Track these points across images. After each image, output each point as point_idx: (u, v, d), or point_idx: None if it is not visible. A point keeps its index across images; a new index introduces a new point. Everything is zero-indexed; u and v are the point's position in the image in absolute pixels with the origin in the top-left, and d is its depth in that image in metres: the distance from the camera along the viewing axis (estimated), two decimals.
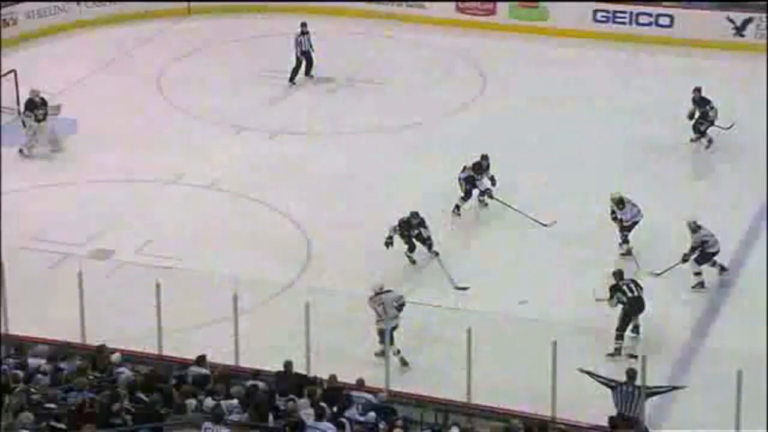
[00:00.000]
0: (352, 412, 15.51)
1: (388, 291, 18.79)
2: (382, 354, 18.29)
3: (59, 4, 31.60)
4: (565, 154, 25.07)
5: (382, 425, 15.44)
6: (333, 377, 16.45)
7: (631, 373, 16.34)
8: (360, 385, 16.47)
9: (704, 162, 25.24)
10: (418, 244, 21.35)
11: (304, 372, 16.84)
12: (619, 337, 18.89)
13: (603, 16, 31.20)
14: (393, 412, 16.06)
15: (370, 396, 16.20)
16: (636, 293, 19.08)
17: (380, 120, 26.96)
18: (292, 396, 15.44)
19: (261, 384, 15.89)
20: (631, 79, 28.90)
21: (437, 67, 29.75)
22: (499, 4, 31.84)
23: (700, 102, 25.15)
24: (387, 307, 18.51)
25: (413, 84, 28.76)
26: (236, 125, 26.80)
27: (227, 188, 24.10)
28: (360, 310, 18.79)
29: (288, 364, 16.64)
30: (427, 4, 32.21)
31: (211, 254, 21.54)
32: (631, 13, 31.02)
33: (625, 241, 21.52)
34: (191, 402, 15.01)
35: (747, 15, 30.26)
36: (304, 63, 28.76)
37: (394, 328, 18.37)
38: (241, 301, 17.57)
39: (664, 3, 30.98)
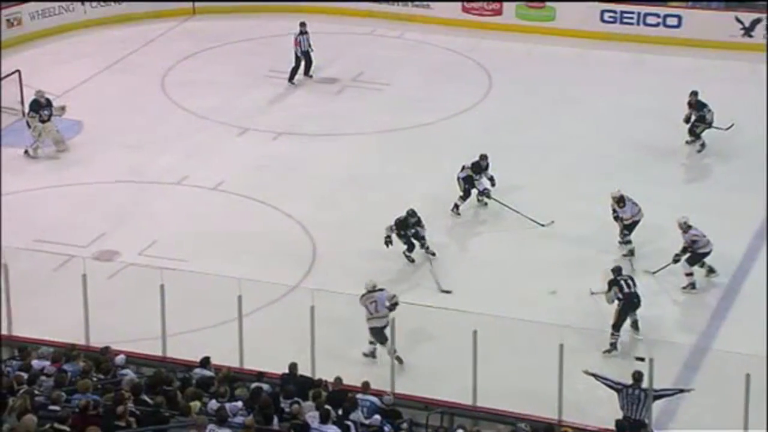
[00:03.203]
0: (357, 415, 15.44)
1: (381, 289, 18.70)
2: (371, 355, 18.43)
3: (64, 4, 31.60)
4: (568, 155, 25.00)
5: (387, 428, 15.40)
6: (338, 379, 16.40)
7: (638, 376, 16.26)
8: (365, 387, 16.40)
9: (706, 164, 25.11)
10: (415, 242, 21.28)
11: (309, 374, 16.79)
12: (615, 331, 18.84)
13: (610, 17, 31.10)
14: (398, 414, 16.01)
15: (375, 399, 16.14)
16: (633, 289, 19.03)
17: (386, 120, 26.87)
18: (296, 398, 15.39)
19: (265, 386, 15.85)
20: (639, 80, 28.80)
21: (443, 67, 29.65)
22: (505, 5, 31.76)
23: (697, 105, 25.01)
24: (379, 306, 18.44)
25: (419, 84, 28.68)
26: (240, 126, 26.74)
27: (231, 189, 24.03)
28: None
29: (293, 366, 16.60)
30: (432, 4, 32.16)
31: (216, 255, 21.45)
32: (639, 13, 30.92)
33: (626, 241, 21.40)
34: (195, 404, 14.93)
35: (755, 15, 30.18)
36: (303, 63, 28.70)
37: (383, 327, 18.28)
38: (246, 302, 17.53)
39: (672, 3, 30.90)
